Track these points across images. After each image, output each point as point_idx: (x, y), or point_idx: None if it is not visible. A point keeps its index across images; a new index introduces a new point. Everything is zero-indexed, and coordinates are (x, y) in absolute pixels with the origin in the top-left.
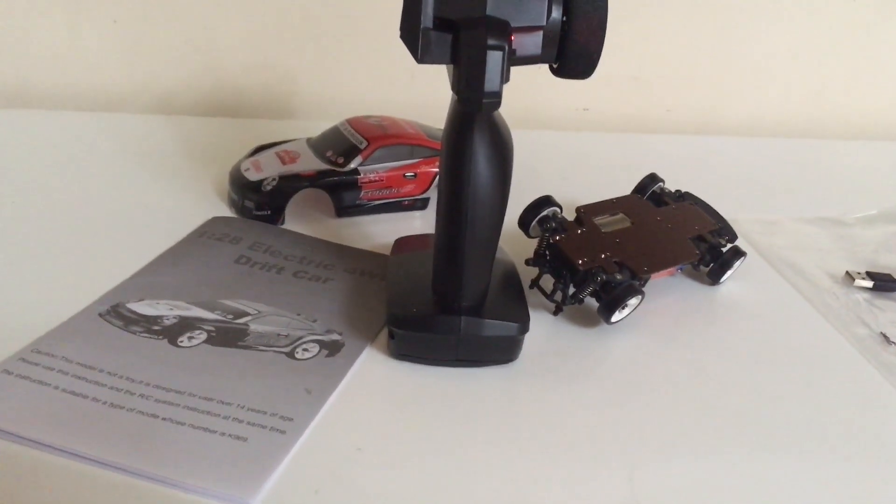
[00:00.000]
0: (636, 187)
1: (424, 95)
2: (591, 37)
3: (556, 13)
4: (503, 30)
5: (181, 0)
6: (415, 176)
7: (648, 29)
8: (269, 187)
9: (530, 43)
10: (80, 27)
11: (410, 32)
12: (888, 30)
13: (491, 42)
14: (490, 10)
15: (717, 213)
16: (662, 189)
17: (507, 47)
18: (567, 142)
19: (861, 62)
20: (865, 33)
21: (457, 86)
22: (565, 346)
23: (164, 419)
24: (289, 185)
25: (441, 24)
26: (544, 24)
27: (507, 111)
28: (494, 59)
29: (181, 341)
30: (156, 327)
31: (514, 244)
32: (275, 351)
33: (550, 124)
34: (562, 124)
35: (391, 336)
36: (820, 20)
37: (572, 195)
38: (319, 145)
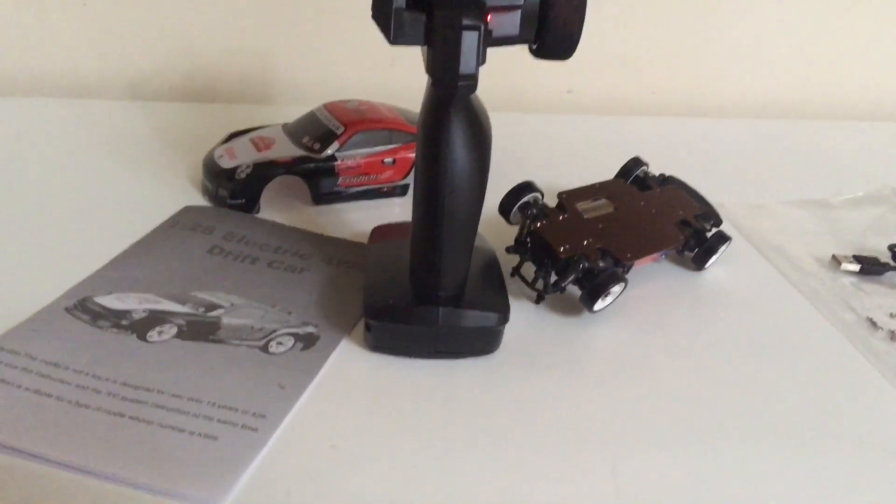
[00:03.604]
0: (619, 171)
1: (406, 79)
2: (572, 16)
3: None
4: (479, 9)
5: None
6: (393, 162)
7: (633, 9)
8: (243, 175)
9: (507, 22)
10: (49, 11)
11: (383, 12)
12: (873, 10)
13: (466, 22)
14: None
15: (702, 197)
16: (646, 173)
17: (482, 27)
18: (550, 125)
19: (846, 42)
20: (850, 13)
21: (431, 68)
22: (547, 335)
23: (131, 418)
24: (263, 172)
25: (414, 3)
26: (522, 2)
27: (489, 93)
28: (470, 39)
29: (150, 336)
30: (124, 322)
31: (495, 231)
32: (248, 345)
33: (533, 107)
34: (545, 107)
35: (367, 328)
36: (804, 4)
37: (555, 180)
38: (295, 131)
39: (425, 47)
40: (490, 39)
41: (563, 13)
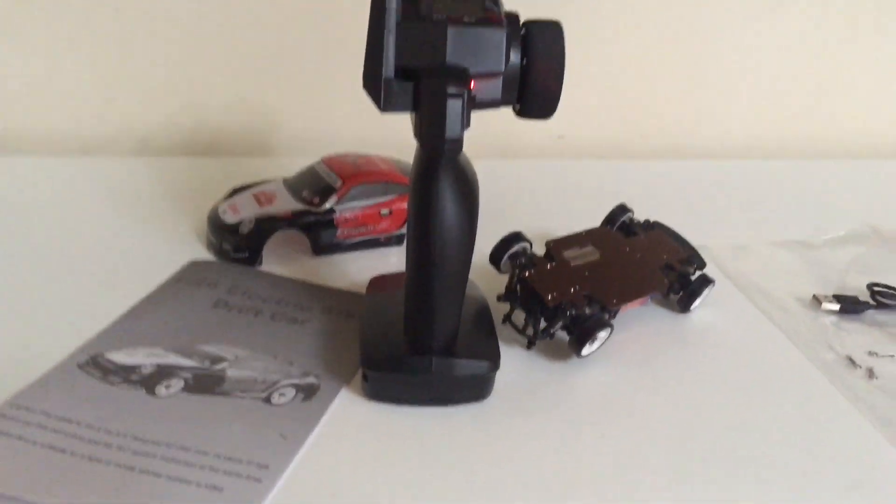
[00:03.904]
0: (606, 218)
1: (402, 130)
2: (551, 80)
3: (515, 57)
4: (462, 77)
5: (158, 43)
6: (390, 213)
7: (621, 56)
8: (246, 230)
9: (490, 88)
10: (56, 72)
11: (373, 83)
12: (850, 53)
13: (451, 90)
14: (450, 57)
15: (686, 241)
16: (631, 219)
17: (466, 94)
18: (542, 171)
19: (825, 84)
20: (828, 56)
21: (419, 133)
22: (538, 380)
23: (140, 471)
24: (265, 226)
25: (403, 73)
26: (503, 70)
27: (483, 140)
28: (454, 106)
29: (159, 390)
30: (134, 377)
31: (487, 280)
32: (251, 397)
33: (526, 153)
34: (537, 152)
35: (365, 378)
36: (785, 46)
37: (545, 226)
38: (296, 185)
39: (414, 113)
40: (474, 104)
41: (543, 78)
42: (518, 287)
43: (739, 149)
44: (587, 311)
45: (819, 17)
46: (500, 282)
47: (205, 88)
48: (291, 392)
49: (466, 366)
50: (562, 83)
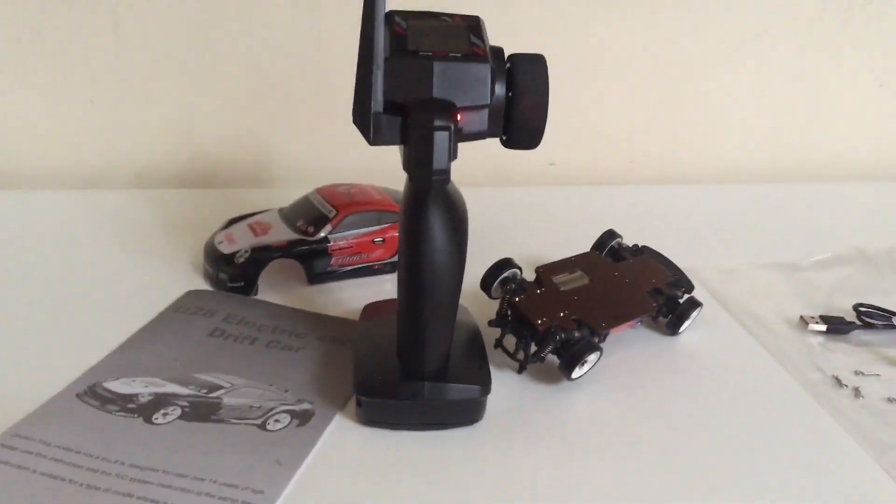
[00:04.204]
0: (595, 244)
1: (395, 160)
2: (535, 112)
3: (500, 90)
4: (449, 111)
5: (156, 78)
6: (383, 241)
7: (611, 84)
8: (241, 259)
9: (476, 121)
10: (58, 109)
11: (362, 117)
12: (834, 78)
13: (437, 123)
14: (436, 92)
15: (674, 264)
16: (620, 244)
17: (453, 127)
18: (533, 197)
19: (810, 109)
20: (813, 81)
21: (407, 165)
22: (529, 403)
23: (138, 498)
24: (261, 256)
25: (391, 107)
26: (489, 103)
27: (475, 168)
28: (441, 138)
29: (156, 418)
30: (131, 405)
31: (479, 305)
32: (247, 423)
33: (518, 180)
34: (529, 179)
35: (358, 403)
36: (770, 71)
37: (536, 252)
38: (291, 215)
39: (402, 146)
40: (461, 136)
41: (527, 110)
42: (508, 312)
43: (726, 174)
44: (577, 334)
45: (802, 45)
46: (490, 307)
47: (201, 122)
48: (286, 418)
49: (458, 390)
50: (546, 114)
